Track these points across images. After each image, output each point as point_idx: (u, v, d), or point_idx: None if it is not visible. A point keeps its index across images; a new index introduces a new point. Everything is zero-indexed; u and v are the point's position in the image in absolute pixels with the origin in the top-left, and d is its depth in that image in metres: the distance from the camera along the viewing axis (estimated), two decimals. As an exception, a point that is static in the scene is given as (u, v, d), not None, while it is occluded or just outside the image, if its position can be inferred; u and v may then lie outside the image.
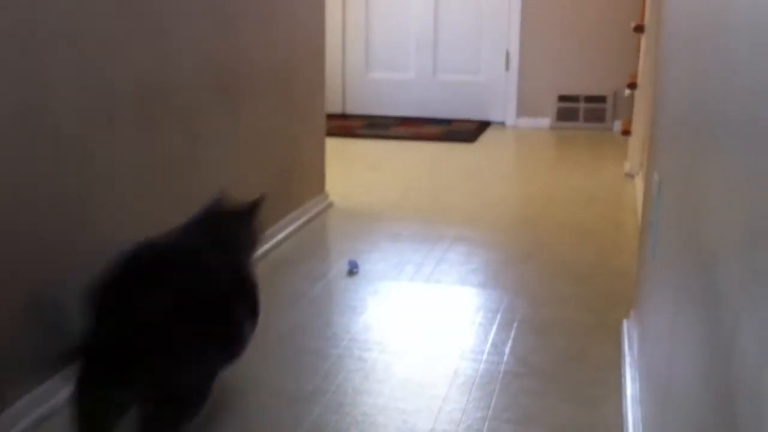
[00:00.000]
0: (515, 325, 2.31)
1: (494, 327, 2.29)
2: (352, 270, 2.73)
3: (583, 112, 5.41)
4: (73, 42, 1.82)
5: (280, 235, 3.03)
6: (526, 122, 5.52)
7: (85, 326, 1.53)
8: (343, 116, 5.76)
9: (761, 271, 0.71)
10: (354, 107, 5.83)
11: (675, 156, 1.54)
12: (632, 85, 4.01)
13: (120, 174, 2.03)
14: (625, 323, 2.20)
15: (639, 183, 3.69)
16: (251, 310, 1.82)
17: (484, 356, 2.11)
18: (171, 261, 1.64)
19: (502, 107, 5.58)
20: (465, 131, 5.26)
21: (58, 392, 1.81)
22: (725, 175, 0.95)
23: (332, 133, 4.95)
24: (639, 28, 3.88)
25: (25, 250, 1.73)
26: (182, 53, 2.29)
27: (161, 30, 2.17)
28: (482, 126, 5.47)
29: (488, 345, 2.18)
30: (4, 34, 1.62)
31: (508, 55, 5.49)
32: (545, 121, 5.49)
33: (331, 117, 5.56)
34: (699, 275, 1.11)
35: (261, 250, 2.85)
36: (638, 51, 4.37)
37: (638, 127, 3.94)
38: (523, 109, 5.52)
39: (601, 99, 5.37)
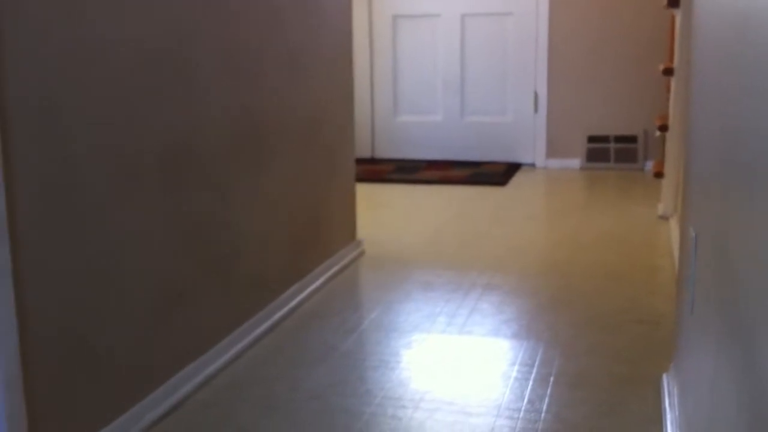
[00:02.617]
0: (551, 379, 2.27)
1: (530, 382, 2.26)
2: None
3: (614, 152, 5.38)
4: (93, 109, 1.84)
5: (312, 286, 3.02)
6: (556, 163, 5.50)
7: None
8: (373, 161, 5.78)
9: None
10: (383, 151, 5.85)
11: (710, 211, 1.52)
12: (663, 128, 3.98)
13: (146, 237, 2.04)
14: (665, 377, 2.16)
15: (673, 225, 3.64)
16: None
17: (521, 414, 2.07)
18: None
19: (532, 149, 5.56)
20: (494, 173, 5.24)
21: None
22: (762, 235, 0.93)
23: (362, 178, 4.97)
24: (668, 71, 3.85)
25: (57, 315, 1.74)
26: (208, 109, 2.30)
27: (184, 89, 2.19)
28: (512, 168, 5.45)
29: (525, 401, 2.14)
30: (26, 109, 1.65)
31: (536, 96, 5.49)
32: (575, 162, 5.46)
33: (360, 162, 5.59)
34: (738, 339, 1.08)
35: (293, 301, 2.85)
36: (668, 89, 4.34)
37: (671, 168, 3.90)
38: (552, 150, 5.50)
39: (632, 139, 5.33)
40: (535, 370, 2.33)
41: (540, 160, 5.54)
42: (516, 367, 2.36)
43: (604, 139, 5.38)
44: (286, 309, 2.80)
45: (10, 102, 1.57)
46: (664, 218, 4.02)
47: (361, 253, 3.52)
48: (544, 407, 2.11)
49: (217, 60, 2.32)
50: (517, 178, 5.18)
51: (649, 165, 5.26)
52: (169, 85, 2.09)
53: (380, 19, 5.71)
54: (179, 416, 2.10)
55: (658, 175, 4.11)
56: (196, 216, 2.25)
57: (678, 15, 3.79)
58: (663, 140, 4.32)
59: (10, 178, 1.58)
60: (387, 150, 5.84)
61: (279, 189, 2.77)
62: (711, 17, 1.59)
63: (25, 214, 1.63)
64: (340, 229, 3.37)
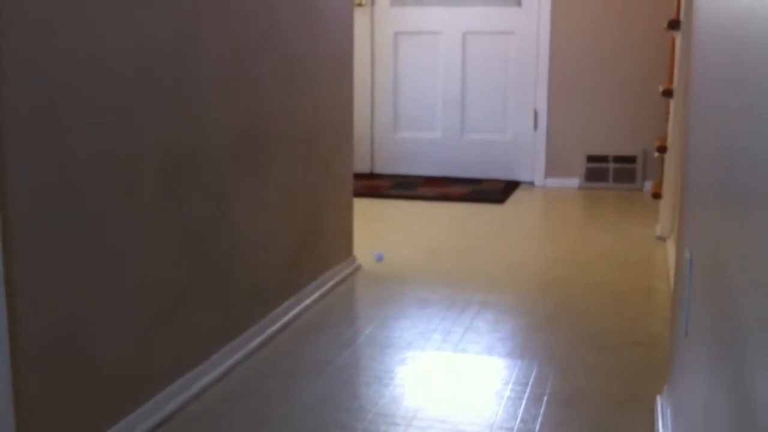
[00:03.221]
0: (545, 399, 2.26)
1: (523, 401, 2.25)
2: (378, 259, 3.56)
3: (613, 172, 5.39)
4: (92, 114, 1.85)
5: (308, 300, 3.02)
6: (554, 182, 5.50)
7: None
8: (371, 176, 5.79)
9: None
10: (382, 167, 5.85)
11: (706, 233, 1.52)
12: (662, 149, 3.99)
13: (143, 245, 2.04)
14: (659, 399, 2.15)
15: (671, 247, 3.65)
16: None
17: (513, 433, 2.07)
18: None
19: (531, 167, 5.57)
20: (493, 191, 5.25)
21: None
22: (757, 258, 0.93)
23: (360, 193, 4.97)
24: (667, 92, 3.87)
25: (51, 323, 1.73)
26: (206, 118, 2.31)
27: (184, 95, 2.20)
28: (511, 186, 5.46)
29: (518, 421, 2.14)
30: (22, 114, 1.65)
31: (536, 114, 5.50)
32: (574, 182, 5.47)
33: (359, 177, 5.59)
34: (730, 361, 1.08)
35: (288, 314, 2.84)
36: (667, 111, 4.36)
37: (669, 190, 3.91)
38: (551, 169, 5.51)
39: (631, 159, 5.34)
40: (528, 389, 2.33)
41: (539, 178, 5.54)
42: (510, 386, 2.35)
43: (603, 158, 5.39)
44: (281, 322, 2.79)
45: (8, 105, 1.58)
46: (662, 239, 4.03)
47: (357, 269, 3.52)
48: (537, 427, 2.10)
49: (217, 67, 2.33)
50: (516, 197, 5.18)
51: (648, 185, 5.27)
52: (169, 92, 2.10)
53: (382, 36, 5.73)
54: (172, 428, 2.09)
55: (657, 195, 4.11)
56: (194, 225, 2.25)
57: (678, 37, 3.81)
58: (662, 161, 4.33)
59: (5, 182, 1.58)
60: (386, 166, 5.84)
61: (277, 199, 2.78)
62: (710, 40, 1.60)
63: (19, 219, 1.63)
64: (337, 243, 3.37)
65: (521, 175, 5.61)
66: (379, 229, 4.29)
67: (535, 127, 5.52)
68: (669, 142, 3.91)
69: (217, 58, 2.32)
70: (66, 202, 1.75)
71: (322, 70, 3.11)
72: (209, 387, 2.32)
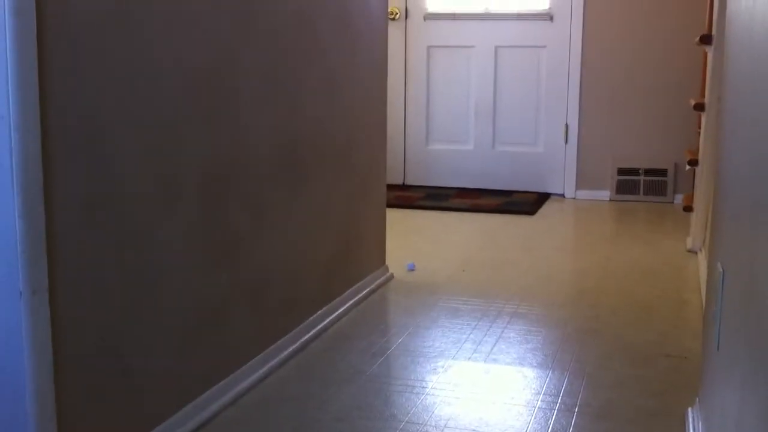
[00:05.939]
0: (576, 410, 2.28)
1: (554, 412, 2.27)
2: (410, 269, 3.63)
3: (644, 185, 5.39)
4: (137, 128, 1.91)
5: (341, 309, 3.06)
6: (585, 194, 5.51)
7: None
8: (404, 187, 5.83)
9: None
10: (414, 178, 5.89)
11: (739, 246, 1.53)
12: (693, 162, 3.99)
13: (183, 253, 2.09)
14: (690, 412, 2.16)
15: (702, 260, 3.64)
16: None
17: (544, 442, 2.09)
18: None
19: (561, 179, 5.58)
20: (524, 203, 5.27)
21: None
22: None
23: (392, 204, 5.01)
24: (699, 106, 3.87)
25: (92, 330, 1.79)
26: (247, 134, 2.36)
27: (225, 112, 2.25)
28: (542, 198, 5.47)
29: (549, 431, 2.16)
30: (70, 126, 1.71)
31: (567, 127, 5.52)
32: (605, 194, 5.48)
33: (391, 188, 5.63)
34: (764, 376, 1.10)
35: (322, 323, 2.89)
36: (698, 124, 4.36)
37: (700, 203, 3.91)
38: (582, 182, 5.52)
39: (662, 172, 5.34)
40: (560, 400, 2.35)
41: (569, 190, 5.55)
42: (541, 397, 2.38)
43: (634, 171, 5.39)
44: (315, 330, 2.84)
45: (56, 118, 1.64)
46: (693, 252, 4.02)
47: (390, 279, 3.55)
48: (568, 437, 2.12)
49: (258, 84, 2.39)
50: (546, 208, 5.19)
51: (679, 198, 5.26)
52: (211, 108, 2.15)
53: (415, 50, 5.78)
54: (208, 433, 2.14)
55: (688, 209, 4.11)
56: (232, 236, 2.30)
57: (710, 52, 3.81)
58: (693, 174, 4.33)
59: (50, 195, 1.64)
60: (418, 177, 5.88)
61: (314, 211, 2.82)
62: (743, 54, 1.62)
63: (64, 228, 1.68)
64: (371, 253, 3.41)
65: (552, 188, 5.62)
66: (411, 239, 4.33)
67: (566, 140, 5.53)
68: (700, 156, 3.91)
69: (257, 75, 2.38)
70: (109, 213, 1.81)
71: (359, 84, 3.16)
72: (244, 393, 2.37)
